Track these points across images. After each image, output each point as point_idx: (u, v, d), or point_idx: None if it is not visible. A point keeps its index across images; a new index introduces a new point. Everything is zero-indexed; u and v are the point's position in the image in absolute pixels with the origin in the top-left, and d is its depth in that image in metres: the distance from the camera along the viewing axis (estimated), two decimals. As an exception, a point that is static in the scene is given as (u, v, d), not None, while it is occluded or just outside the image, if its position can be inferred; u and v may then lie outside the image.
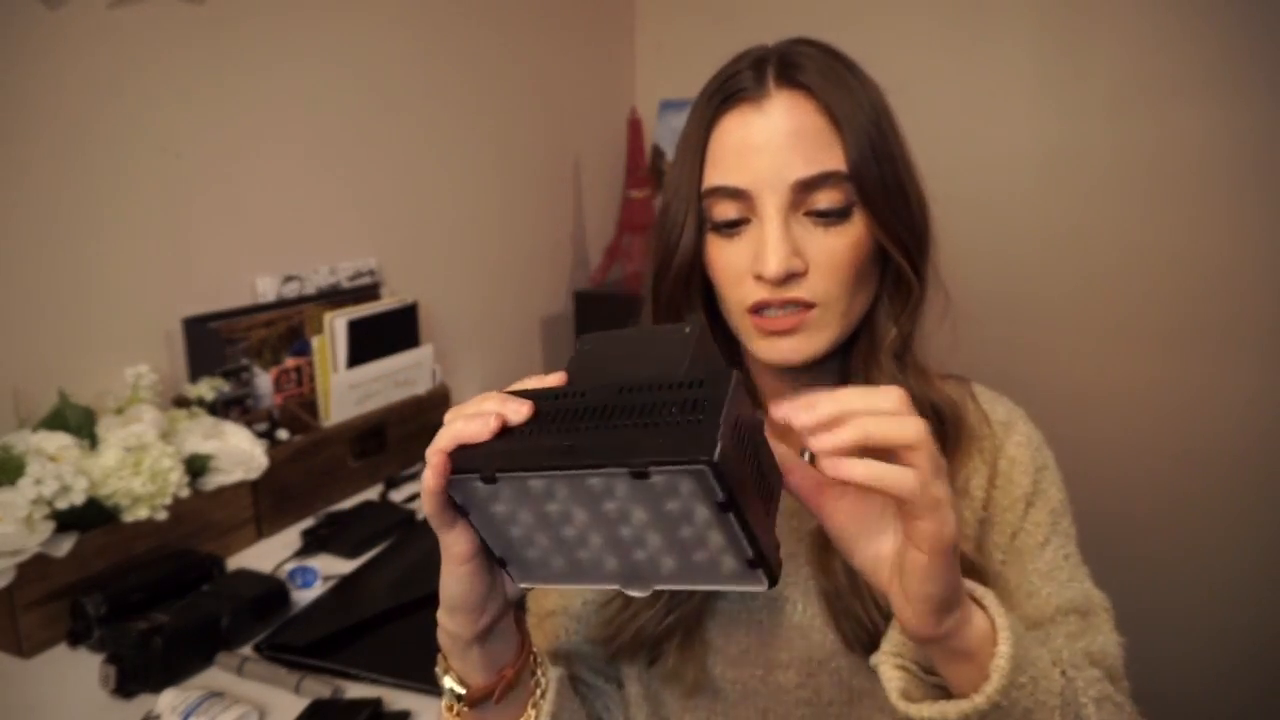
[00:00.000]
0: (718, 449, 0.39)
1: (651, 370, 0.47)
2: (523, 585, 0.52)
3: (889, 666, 0.55)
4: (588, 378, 0.49)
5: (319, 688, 0.90)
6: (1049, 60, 1.82)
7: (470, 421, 0.46)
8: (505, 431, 0.46)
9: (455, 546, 0.50)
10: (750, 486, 0.43)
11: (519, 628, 0.59)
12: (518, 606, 0.58)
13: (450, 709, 0.61)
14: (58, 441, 1.03)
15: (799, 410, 0.45)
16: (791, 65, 0.64)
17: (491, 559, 0.51)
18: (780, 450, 0.50)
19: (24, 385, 1.10)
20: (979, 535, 0.71)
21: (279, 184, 1.45)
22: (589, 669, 0.75)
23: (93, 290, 1.20)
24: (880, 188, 0.63)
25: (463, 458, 0.46)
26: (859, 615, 0.66)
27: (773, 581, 0.45)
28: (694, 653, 0.69)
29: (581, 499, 0.45)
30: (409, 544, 1.24)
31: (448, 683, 0.57)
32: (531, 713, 0.60)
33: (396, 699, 0.90)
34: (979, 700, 0.50)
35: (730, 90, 0.65)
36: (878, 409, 0.45)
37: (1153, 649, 0.73)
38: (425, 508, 0.49)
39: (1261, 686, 1.79)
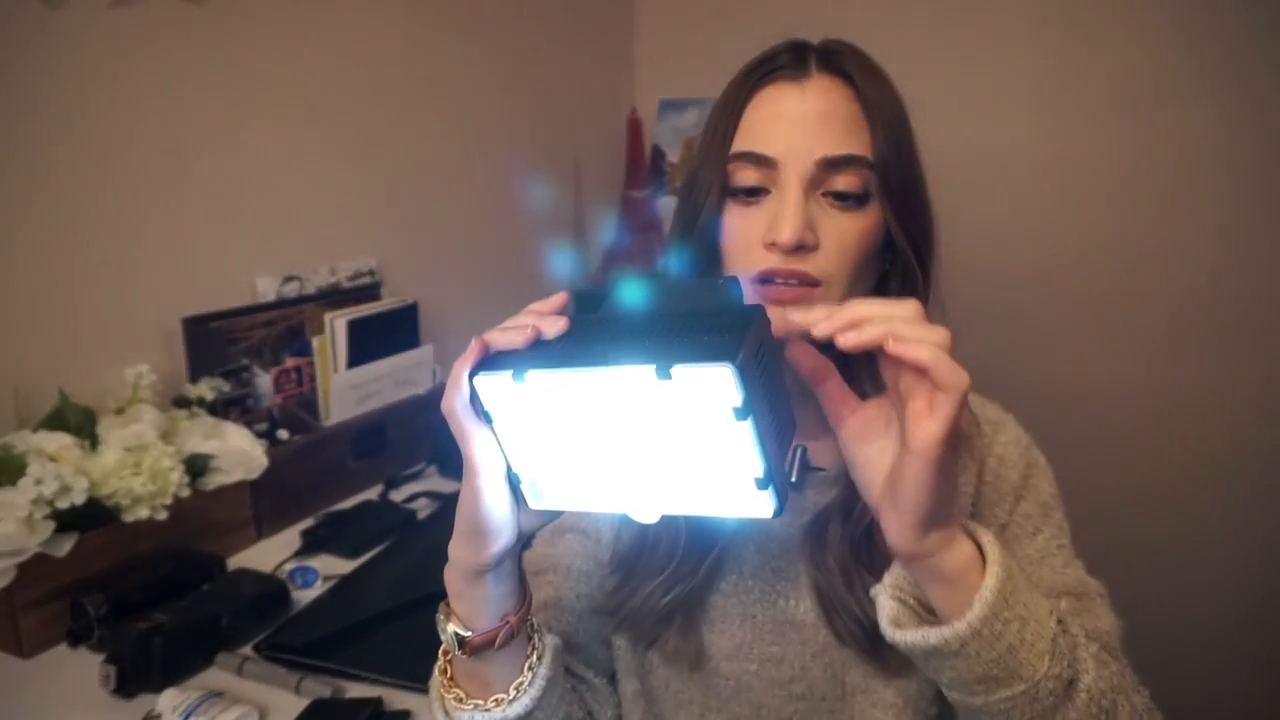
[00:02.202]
0: (741, 354, 0.41)
1: (685, 306, 0.49)
2: (535, 507, 0.53)
3: (886, 597, 0.55)
4: (622, 308, 0.52)
5: (319, 688, 0.90)
6: (1049, 61, 1.82)
7: (506, 332, 0.49)
8: (539, 344, 0.48)
9: (478, 455, 0.50)
10: (767, 409, 0.44)
11: (522, 581, 0.60)
12: (525, 546, 0.59)
13: (445, 662, 0.61)
14: (58, 441, 1.03)
15: (818, 318, 0.48)
16: (833, 54, 0.67)
17: (508, 482, 0.52)
18: (811, 356, 0.52)
19: (24, 385, 1.10)
20: None
21: (279, 184, 1.45)
22: (584, 663, 0.76)
23: (93, 290, 1.20)
24: (899, 181, 0.65)
25: (494, 360, 0.48)
26: (852, 610, 0.66)
27: (779, 508, 0.46)
28: (695, 634, 0.70)
29: (603, 406, 0.45)
30: (409, 544, 1.25)
31: (451, 628, 0.57)
32: (528, 674, 0.60)
33: (396, 699, 0.90)
34: (959, 626, 0.49)
35: (770, 67, 0.67)
36: (896, 316, 0.47)
37: (1150, 650, 0.72)
38: (449, 406, 0.49)
39: (1261, 686, 1.79)
